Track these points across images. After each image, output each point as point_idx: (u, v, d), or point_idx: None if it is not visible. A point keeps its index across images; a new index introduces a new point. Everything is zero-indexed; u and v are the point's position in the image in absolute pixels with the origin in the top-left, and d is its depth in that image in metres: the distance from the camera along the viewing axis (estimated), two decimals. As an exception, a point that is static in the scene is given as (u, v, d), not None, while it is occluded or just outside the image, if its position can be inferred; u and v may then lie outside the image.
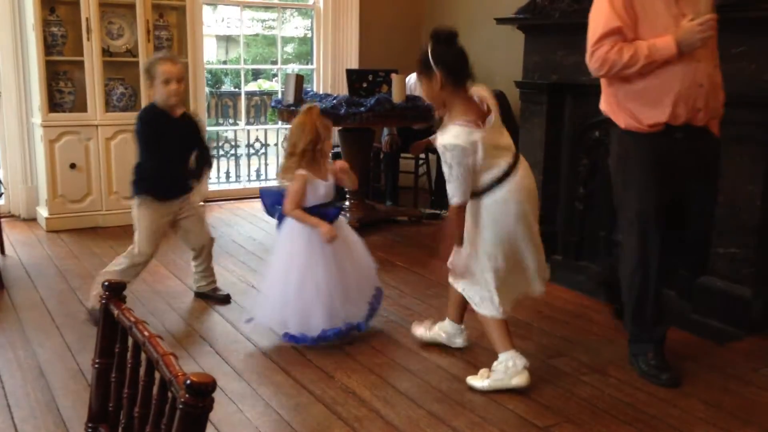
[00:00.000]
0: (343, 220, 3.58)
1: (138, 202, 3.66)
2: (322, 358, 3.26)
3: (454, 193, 2.84)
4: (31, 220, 5.59)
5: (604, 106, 3.20)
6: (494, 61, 6.01)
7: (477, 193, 2.90)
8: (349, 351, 3.34)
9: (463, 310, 3.31)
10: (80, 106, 5.39)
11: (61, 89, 5.36)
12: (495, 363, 3.01)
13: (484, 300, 2.98)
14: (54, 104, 5.32)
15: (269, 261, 3.59)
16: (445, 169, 2.83)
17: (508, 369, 2.96)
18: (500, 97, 5.69)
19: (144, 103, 5.12)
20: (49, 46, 5.22)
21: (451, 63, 2.84)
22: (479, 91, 2.93)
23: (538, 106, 4.75)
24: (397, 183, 6.32)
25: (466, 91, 2.89)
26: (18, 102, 5.47)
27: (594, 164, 4.55)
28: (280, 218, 3.46)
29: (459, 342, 3.38)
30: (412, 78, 6.03)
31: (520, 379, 2.94)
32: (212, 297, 3.97)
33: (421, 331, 3.45)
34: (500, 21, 4.96)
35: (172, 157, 3.63)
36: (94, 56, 5.24)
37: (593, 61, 2.96)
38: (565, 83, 4.59)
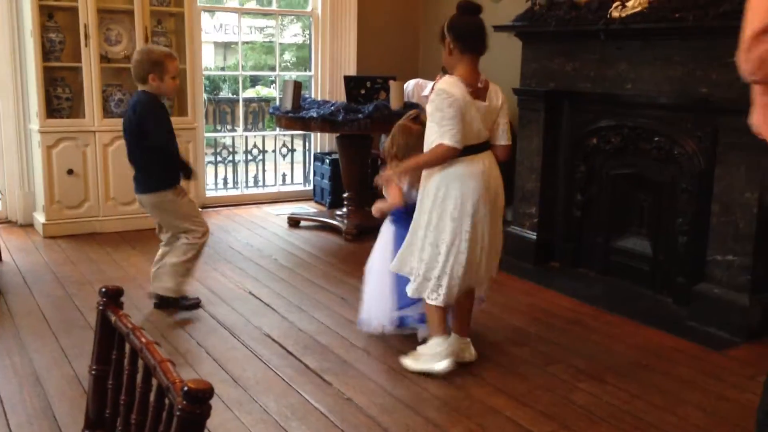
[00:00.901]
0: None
1: (175, 192, 3.70)
2: (320, 364, 3.25)
3: (446, 134, 2.89)
4: (28, 225, 5.58)
5: (758, 120, 2.25)
6: (492, 69, 6.02)
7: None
8: (347, 358, 3.34)
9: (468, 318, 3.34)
10: (78, 112, 5.39)
11: (59, 95, 5.36)
12: (423, 346, 3.21)
13: (430, 286, 3.09)
14: (52, 110, 5.32)
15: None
16: (434, 113, 2.92)
17: (435, 354, 3.12)
18: None
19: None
20: (47, 52, 5.22)
21: (460, 31, 3.03)
22: (493, 86, 3.10)
23: (536, 113, 4.76)
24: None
25: (473, 63, 3.04)
26: (15, 108, 5.46)
27: (591, 171, 4.56)
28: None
29: (467, 356, 3.31)
30: (410, 84, 6.05)
31: (443, 365, 3.10)
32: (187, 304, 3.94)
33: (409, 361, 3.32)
34: (498, 28, 4.97)
35: (174, 139, 3.72)
36: (92, 62, 5.24)
37: (748, 60, 2.03)
38: (562, 90, 4.60)
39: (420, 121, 3.31)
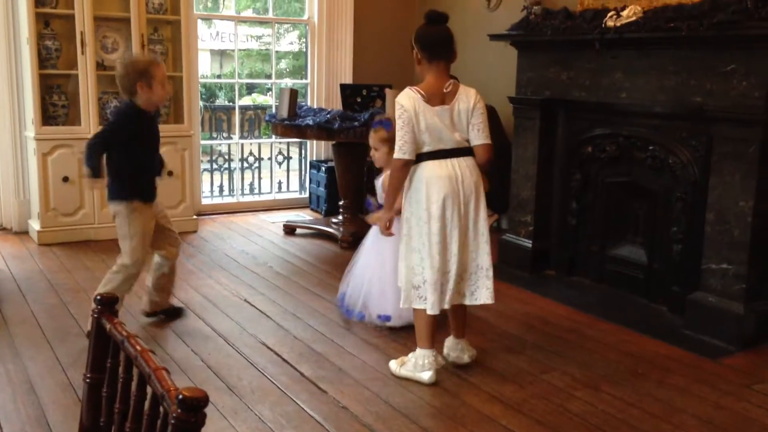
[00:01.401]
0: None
1: (129, 208, 3.51)
2: (315, 372, 3.25)
3: (397, 148, 3.06)
4: (23, 233, 5.57)
5: None
6: (487, 77, 6.04)
7: (418, 159, 3.09)
8: (342, 366, 3.33)
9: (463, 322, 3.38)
10: (74, 119, 5.39)
11: (55, 102, 5.36)
12: (410, 354, 3.23)
13: (416, 294, 3.15)
14: (47, 117, 5.32)
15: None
16: (396, 123, 3.09)
17: (417, 366, 3.16)
18: (490, 112, 5.72)
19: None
20: (43, 59, 5.22)
21: (425, 40, 3.13)
22: (464, 89, 3.13)
23: (531, 121, 4.78)
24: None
25: (440, 70, 3.12)
26: (11, 115, 5.46)
27: (586, 179, 4.57)
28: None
29: (466, 358, 3.37)
30: None
31: (426, 376, 3.14)
32: (168, 312, 3.89)
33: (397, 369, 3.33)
34: (493, 37, 5.00)
35: (151, 155, 3.61)
36: (89, 70, 5.25)
37: None
38: (558, 99, 4.62)
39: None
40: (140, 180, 3.56)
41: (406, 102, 3.05)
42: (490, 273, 3.21)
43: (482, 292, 3.22)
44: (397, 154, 3.06)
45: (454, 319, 3.33)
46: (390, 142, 3.48)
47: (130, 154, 3.49)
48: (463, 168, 3.11)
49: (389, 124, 3.67)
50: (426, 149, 3.08)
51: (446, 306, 3.15)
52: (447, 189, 3.06)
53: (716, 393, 3.15)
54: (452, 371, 3.30)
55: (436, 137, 3.07)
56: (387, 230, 3.25)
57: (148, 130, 3.58)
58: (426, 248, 3.09)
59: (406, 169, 3.09)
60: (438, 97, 3.08)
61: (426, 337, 3.17)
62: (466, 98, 3.11)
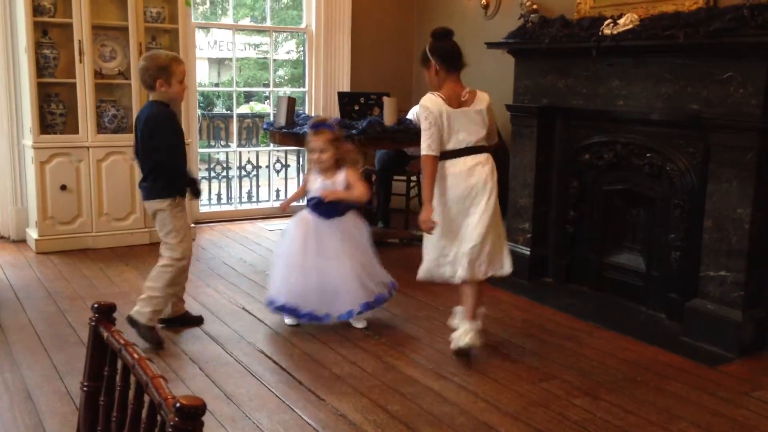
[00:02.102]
0: (350, 219, 3.89)
1: (173, 204, 3.59)
2: (313, 381, 3.24)
3: (424, 144, 3.44)
4: (21, 241, 5.56)
5: None
6: (485, 85, 6.05)
7: (441, 157, 3.48)
8: (340, 374, 3.33)
9: (474, 307, 3.57)
10: (72, 127, 5.38)
11: (53, 111, 5.36)
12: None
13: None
14: (45, 126, 5.32)
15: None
16: (422, 124, 3.46)
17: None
18: None
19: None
20: (41, 68, 5.23)
21: (443, 54, 3.52)
22: (479, 93, 3.57)
23: (529, 129, 4.78)
24: (389, 205, 6.33)
25: (456, 79, 3.54)
26: (9, 124, 5.46)
27: (584, 186, 4.58)
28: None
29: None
30: (413, 112, 6.07)
31: (464, 341, 3.47)
32: (189, 320, 3.91)
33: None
34: (491, 45, 5.01)
35: (184, 151, 3.68)
36: (87, 78, 5.25)
37: None
38: (555, 107, 4.63)
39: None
40: (180, 175, 3.65)
41: (431, 104, 3.46)
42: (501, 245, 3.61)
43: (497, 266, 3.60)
44: (426, 152, 3.44)
45: (466, 300, 3.58)
46: (336, 142, 3.74)
47: (172, 151, 3.57)
48: (477, 163, 3.50)
49: (331, 126, 3.80)
50: (447, 148, 3.47)
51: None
52: (459, 185, 3.48)
53: (715, 400, 3.15)
54: (451, 379, 3.29)
55: (457, 139, 3.48)
56: (430, 225, 3.47)
57: (179, 126, 3.68)
58: (446, 231, 3.52)
59: (435, 163, 3.45)
60: (456, 102, 3.49)
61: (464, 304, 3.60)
62: (482, 101, 3.55)
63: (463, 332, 3.50)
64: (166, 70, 3.51)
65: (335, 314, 3.77)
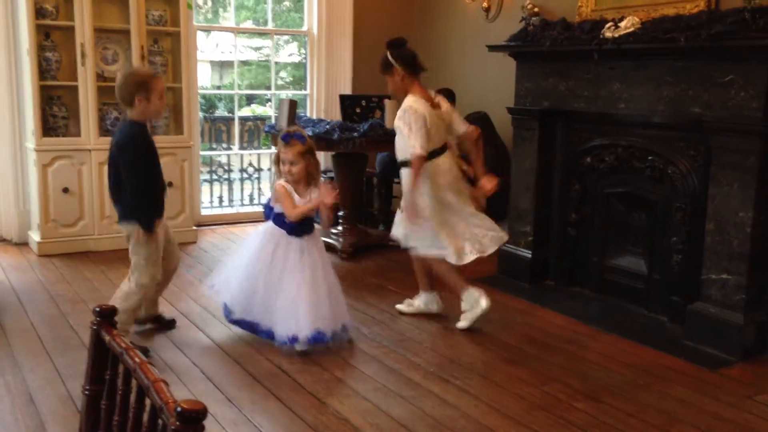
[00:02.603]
0: (317, 238, 3.79)
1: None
2: (315, 384, 3.24)
3: (416, 144, 3.66)
4: (23, 244, 5.56)
5: None
6: (486, 88, 6.06)
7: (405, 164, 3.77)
8: (342, 377, 3.33)
9: (430, 278, 4.06)
10: (74, 130, 5.39)
11: (55, 114, 5.37)
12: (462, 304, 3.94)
13: (433, 248, 3.87)
14: (48, 129, 5.32)
15: (249, 246, 3.75)
16: (402, 127, 3.71)
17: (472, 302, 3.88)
18: (484, 119, 5.78)
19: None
20: (43, 71, 5.24)
21: (407, 59, 3.83)
22: (438, 96, 3.90)
23: (530, 132, 4.79)
24: (390, 208, 6.33)
25: (420, 82, 3.86)
26: (11, 126, 5.47)
27: (585, 189, 4.58)
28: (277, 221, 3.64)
29: (435, 308, 4.13)
30: None
31: (484, 304, 3.84)
32: (160, 322, 3.91)
33: (403, 306, 4.21)
34: (492, 48, 5.01)
35: (160, 169, 3.61)
36: (89, 81, 5.26)
37: None
38: (556, 110, 4.63)
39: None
40: (156, 197, 3.56)
41: (419, 106, 3.71)
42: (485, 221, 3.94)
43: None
44: (418, 151, 3.65)
45: (425, 270, 4.06)
46: (308, 154, 3.53)
47: (146, 173, 3.47)
48: (449, 159, 3.87)
49: (303, 137, 3.55)
50: (429, 147, 3.72)
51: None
52: (447, 180, 3.81)
53: (717, 404, 3.14)
54: (452, 383, 3.29)
55: (435, 139, 3.77)
56: (416, 217, 3.75)
57: (154, 146, 3.57)
58: (442, 221, 3.83)
59: (422, 162, 3.68)
60: (431, 103, 3.79)
61: (456, 282, 3.94)
62: (444, 102, 3.91)
63: (476, 299, 3.86)
64: (145, 86, 3.42)
65: (283, 335, 3.50)
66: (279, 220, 3.60)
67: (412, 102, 3.73)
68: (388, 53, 3.85)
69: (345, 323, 3.69)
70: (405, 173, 3.83)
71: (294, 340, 3.48)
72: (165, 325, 3.90)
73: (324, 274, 3.63)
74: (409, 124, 3.68)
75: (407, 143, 3.71)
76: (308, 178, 3.56)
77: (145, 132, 3.53)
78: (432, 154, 3.77)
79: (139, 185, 3.43)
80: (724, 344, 3.64)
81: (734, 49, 3.53)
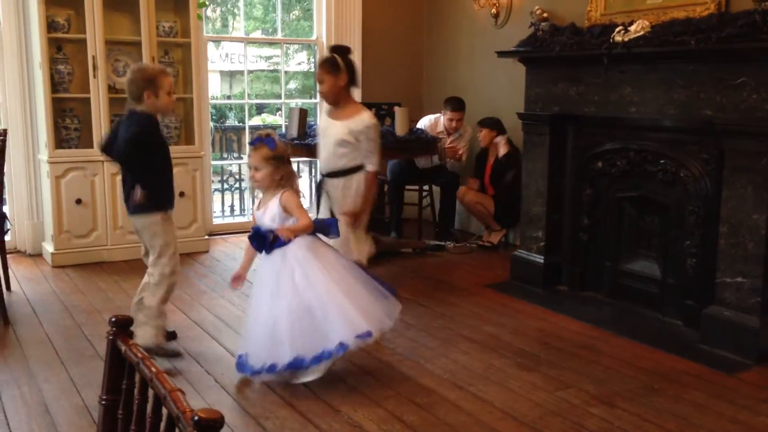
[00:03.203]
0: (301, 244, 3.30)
1: (163, 218, 3.53)
2: (328, 391, 3.23)
3: (376, 160, 3.81)
4: (37, 255, 5.60)
5: None
6: (496, 94, 6.06)
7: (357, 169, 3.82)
8: (355, 384, 3.32)
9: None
10: (86, 142, 5.43)
11: (68, 126, 5.41)
12: None
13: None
14: (60, 140, 5.37)
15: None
16: (369, 142, 3.78)
17: None
18: (497, 124, 5.80)
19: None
20: (55, 83, 5.28)
21: (352, 68, 3.86)
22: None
23: (541, 137, 4.78)
24: (402, 215, 6.33)
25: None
26: (24, 138, 5.52)
27: (597, 194, 4.56)
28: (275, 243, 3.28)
29: None
30: (424, 122, 6.08)
31: None
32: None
33: None
34: (501, 54, 5.02)
35: (171, 161, 3.65)
36: (101, 93, 5.30)
37: None
38: (567, 114, 4.62)
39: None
40: (169, 188, 3.62)
41: (374, 120, 3.85)
42: None
43: None
44: (376, 167, 3.81)
45: None
46: (274, 161, 3.26)
47: (158, 163, 3.54)
48: None
49: (272, 142, 3.26)
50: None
51: None
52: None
53: (733, 408, 3.12)
54: (467, 389, 3.28)
55: None
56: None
57: (164, 137, 3.66)
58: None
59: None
60: None
61: None
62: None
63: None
64: (154, 82, 3.45)
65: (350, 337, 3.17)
66: (280, 242, 3.25)
67: (372, 117, 3.83)
68: (338, 57, 3.80)
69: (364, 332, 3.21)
70: (347, 180, 3.83)
71: (368, 334, 3.15)
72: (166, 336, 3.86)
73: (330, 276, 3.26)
74: (374, 140, 3.79)
75: (360, 154, 3.78)
76: (274, 186, 3.29)
77: (157, 123, 3.58)
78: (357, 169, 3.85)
79: (153, 166, 3.47)
80: (740, 348, 3.61)
81: (745, 51, 3.52)
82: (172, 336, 3.83)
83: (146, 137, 3.46)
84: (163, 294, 3.57)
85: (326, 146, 3.90)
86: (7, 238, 5.58)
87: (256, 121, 9.99)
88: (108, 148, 3.60)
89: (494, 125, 5.84)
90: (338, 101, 3.85)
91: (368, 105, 5.89)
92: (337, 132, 3.80)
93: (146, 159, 3.45)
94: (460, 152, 5.97)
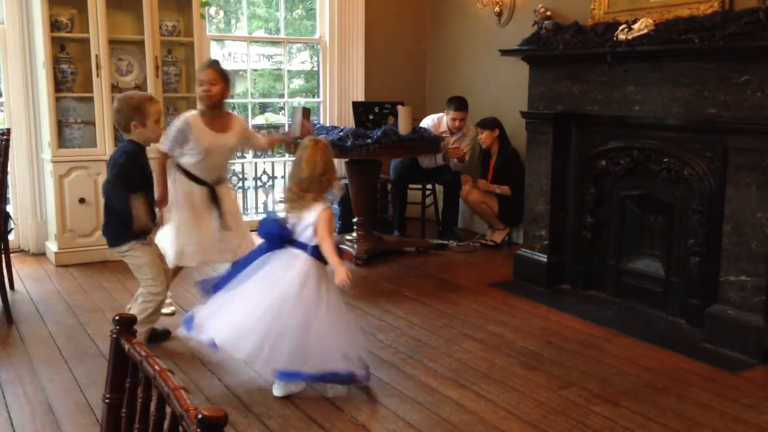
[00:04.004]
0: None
1: (134, 245, 3.54)
2: (332, 391, 3.22)
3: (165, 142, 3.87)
4: (41, 254, 5.61)
5: None
6: (499, 92, 6.05)
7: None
8: (359, 383, 3.32)
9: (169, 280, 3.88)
10: (89, 141, 5.44)
11: (71, 125, 5.42)
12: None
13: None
14: (64, 140, 5.37)
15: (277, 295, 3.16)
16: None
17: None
18: (495, 122, 5.80)
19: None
20: (59, 82, 5.28)
21: (230, 80, 4.04)
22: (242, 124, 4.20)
23: (544, 135, 4.77)
24: (405, 214, 6.33)
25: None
26: (28, 138, 5.52)
27: (601, 193, 4.56)
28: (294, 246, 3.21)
29: (167, 311, 4.10)
30: (427, 121, 6.07)
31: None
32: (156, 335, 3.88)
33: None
34: (504, 53, 5.01)
35: (151, 189, 3.66)
36: (104, 92, 5.30)
37: None
38: (570, 113, 4.62)
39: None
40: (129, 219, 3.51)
41: (185, 115, 4.01)
42: None
43: None
44: (164, 147, 3.90)
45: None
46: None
47: (139, 192, 3.47)
48: None
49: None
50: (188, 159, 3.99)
51: None
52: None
53: (737, 407, 3.11)
54: (470, 388, 3.28)
55: (206, 149, 3.99)
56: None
57: (148, 165, 3.60)
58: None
59: (165, 158, 3.99)
60: (220, 126, 4.02)
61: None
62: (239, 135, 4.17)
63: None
64: (140, 111, 3.41)
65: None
66: (317, 251, 3.17)
67: (187, 112, 4.06)
68: (221, 67, 3.98)
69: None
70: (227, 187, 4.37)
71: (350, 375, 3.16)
72: (159, 336, 3.85)
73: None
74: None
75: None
76: (314, 192, 3.18)
77: (142, 152, 3.53)
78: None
79: (115, 202, 3.47)
80: (744, 346, 3.60)
81: (749, 49, 3.51)
82: (165, 335, 3.85)
83: (127, 176, 3.44)
84: (153, 311, 3.61)
85: (222, 155, 4.05)
86: (10, 237, 5.60)
87: (260, 119, 9.98)
88: None
89: (493, 125, 5.83)
90: (216, 107, 3.99)
91: (371, 104, 5.96)
92: (230, 142, 4.04)
93: (126, 196, 3.42)
94: (464, 152, 5.96)
